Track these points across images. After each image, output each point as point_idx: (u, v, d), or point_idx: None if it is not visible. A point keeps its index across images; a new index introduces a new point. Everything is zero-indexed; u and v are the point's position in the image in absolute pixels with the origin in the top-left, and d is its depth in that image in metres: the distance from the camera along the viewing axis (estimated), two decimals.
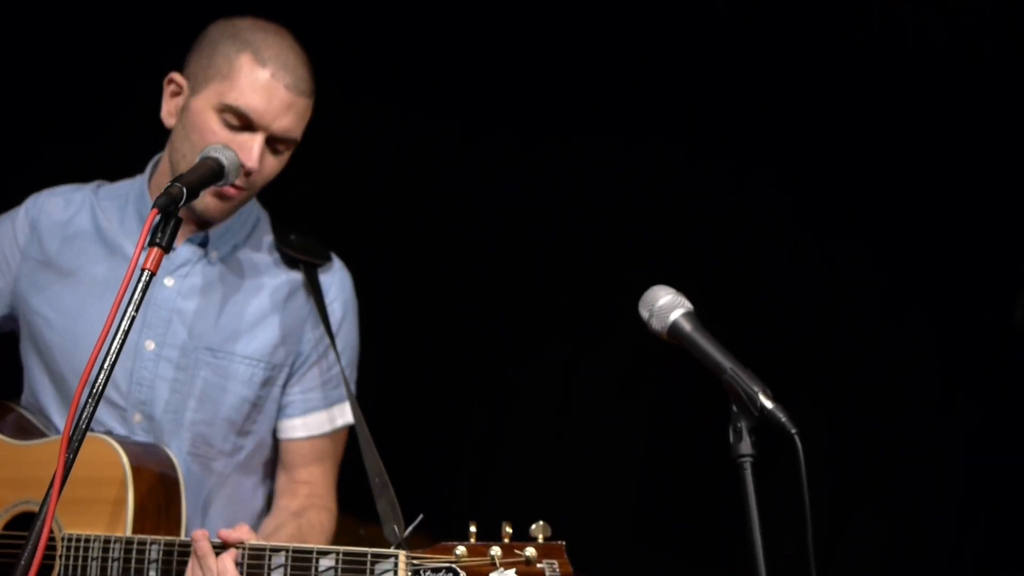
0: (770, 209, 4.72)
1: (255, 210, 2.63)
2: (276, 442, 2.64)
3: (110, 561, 2.22)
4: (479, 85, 4.67)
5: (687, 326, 2.08)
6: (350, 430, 2.60)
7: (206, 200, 2.39)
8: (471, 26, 4.58)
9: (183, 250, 2.51)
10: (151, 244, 2.02)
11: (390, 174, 4.64)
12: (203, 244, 2.54)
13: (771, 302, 4.67)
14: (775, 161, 4.64)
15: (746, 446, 1.98)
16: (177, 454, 2.42)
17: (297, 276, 2.59)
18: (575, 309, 4.78)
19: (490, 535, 2.03)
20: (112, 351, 1.97)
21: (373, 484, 2.31)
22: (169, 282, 2.51)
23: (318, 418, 2.62)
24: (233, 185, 2.35)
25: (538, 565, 1.98)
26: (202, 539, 2.18)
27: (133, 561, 2.21)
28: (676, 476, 4.86)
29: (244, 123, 2.38)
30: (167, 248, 2.04)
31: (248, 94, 2.37)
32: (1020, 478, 4.74)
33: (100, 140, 4.32)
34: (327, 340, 2.57)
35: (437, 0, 4.55)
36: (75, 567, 2.24)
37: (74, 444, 1.90)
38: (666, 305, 2.09)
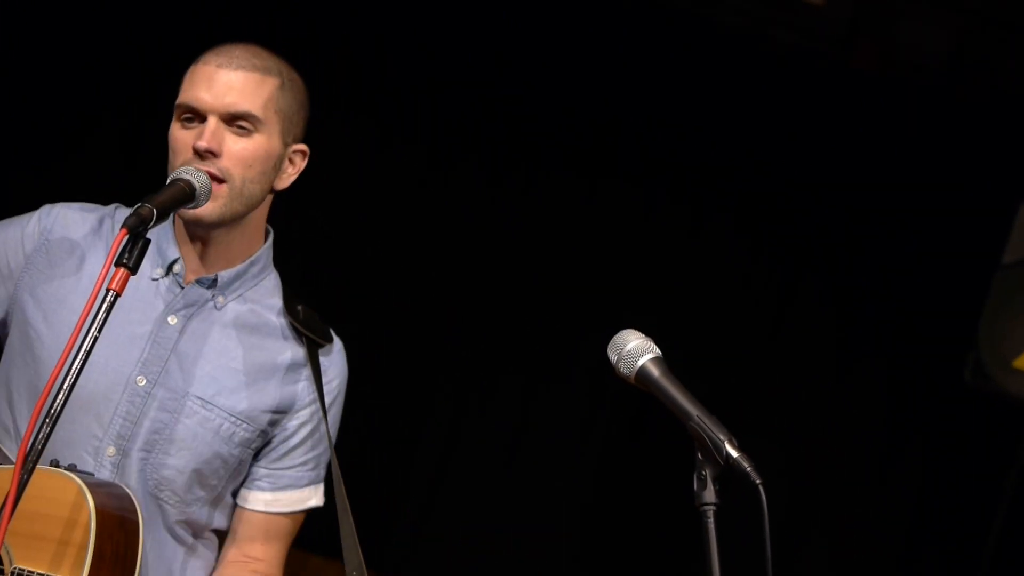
0: (731, 253, 4.78)
1: (269, 268, 2.56)
2: (229, 508, 2.56)
3: None
4: (453, 118, 4.69)
5: (655, 371, 2.06)
6: (332, 511, 2.51)
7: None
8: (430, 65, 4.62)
9: (191, 291, 2.44)
10: (118, 264, 1.99)
11: (362, 197, 4.64)
12: (211, 287, 2.46)
13: (730, 344, 4.72)
14: (738, 205, 4.70)
15: (710, 494, 1.96)
16: (138, 491, 2.35)
17: (299, 350, 2.51)
18: (534, 344, 4.79)
19: None
20: (72, 372, 1.94)
21: None
22: (172, 320, 2.43)
23: (289, 496, 2.53)
24: (212, 175, 2.31)
25: None
26: None
27: None
28: (625, 519, 4.87)
29: (195, 115, 2.35)
30: (134, 270, 2.01)
31: (190, 90, 2.37)
32: (964, 528, 4.81)
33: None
34: (317, 420, 2.50)
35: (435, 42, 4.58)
36: None
37: (28, 466, 1.86)
38: (635, 349, 2.08)
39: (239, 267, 2.48)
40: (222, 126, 2.35)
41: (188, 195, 2.20)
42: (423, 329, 4.62)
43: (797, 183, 4.75)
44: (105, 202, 2.64)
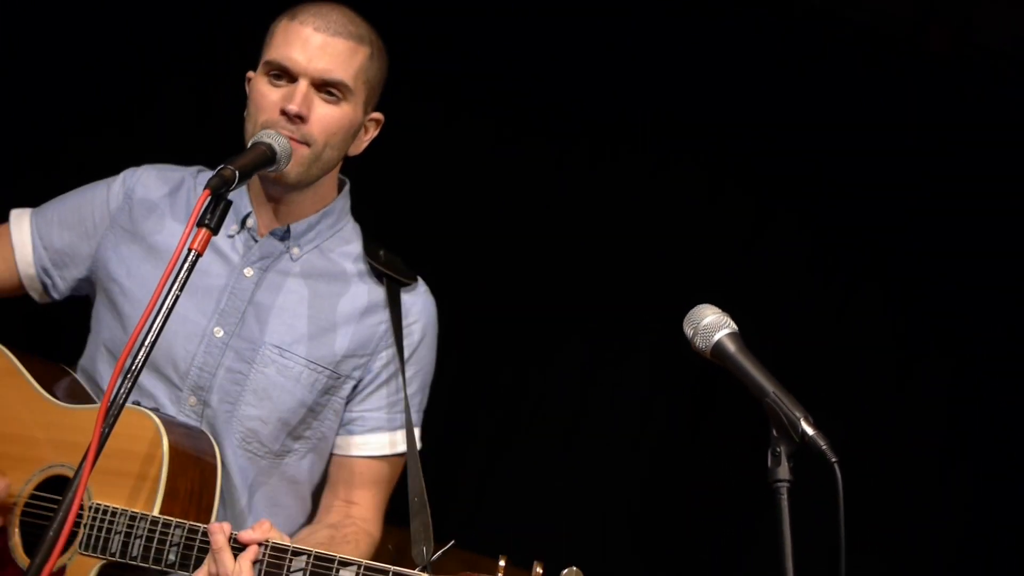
0: (797, 240, 4.72)
1: (346, 217, 2.58)
2: (330, 456, 2.56)
3: (133, 537, 2.16)
4: (514, 94, 4.68)
5: (731, 347, 2.05)
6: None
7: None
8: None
9: (265, 243, 2.48)
10: (200, 225, 2.01)
11: (416, 173, 4.64)
12: (285, 238, 2.49)
13: (791, 335, 4.67)
14: (806, 190, 4.65)
15: (784, 471, 1.96)
16: (227, 445, 2.38)
17: (379, 291, 2.52)
18: (595, 322, 4.78)
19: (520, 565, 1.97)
20: (154, 330, 1.95)
21: (411, 503, 2.26)
22: (249, 273, 2.46)
23: (379, 439, 2.52)
24: (291, 139, 2.32)
25: None
26: (219, 532, 2.12)
27: (155, 541, 2.15)
28: (681, 499, 4.85)
29: (286, 74, 2.36)
30: (215, 230, 2.03)
31: (283, 48, 2.37)
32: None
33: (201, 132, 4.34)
34: (399, 361, 2.49)
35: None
36: (98, 538, 2.19)
37: (111, 417, 1.88)
38: (711, 324, 2.07)
39: (311, 218, 2.50)
40: (312, 90, 2.36)
41: (269, 158, 2.22)
42: (485, 303, 4.61)
43: (867, 170, 4.68)
44: (180, 160, 2.68)
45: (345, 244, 2.56)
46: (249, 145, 2.26)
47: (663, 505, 4.75)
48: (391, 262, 2.55)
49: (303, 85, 2.35)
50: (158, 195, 2.56)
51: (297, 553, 2.07)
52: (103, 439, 1.86)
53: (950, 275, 4.59)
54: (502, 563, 1.95)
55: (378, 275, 2.52)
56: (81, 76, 4.61)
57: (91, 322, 2.58)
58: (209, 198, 2.02)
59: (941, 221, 4.59)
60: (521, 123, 4.74)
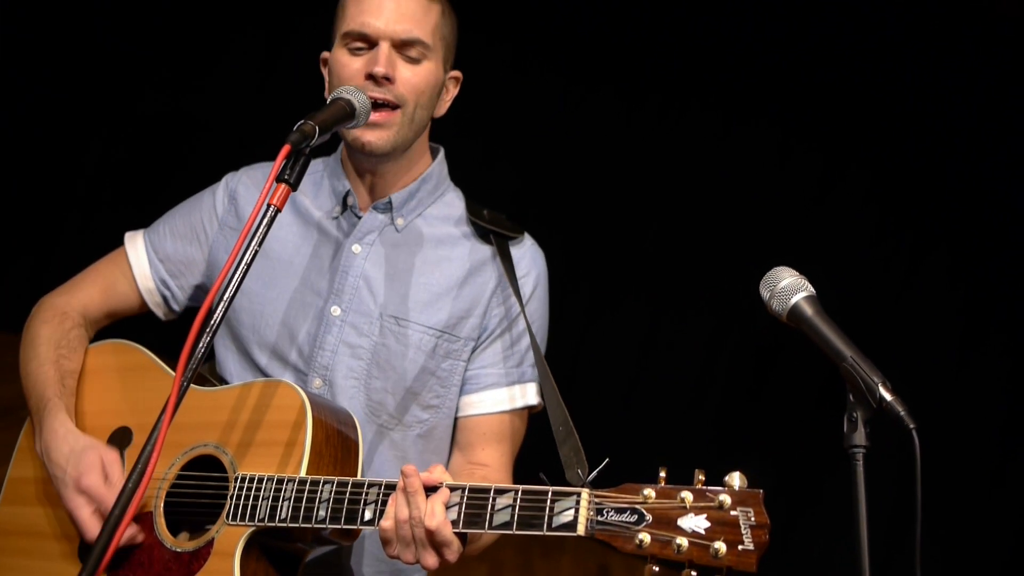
0: (863, 212, 4.67)
1: (445, 183, 2.59)
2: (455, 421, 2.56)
3: (281, 500, 2.15)
4: (585, 49, 4.66)
5: (808, 310, 2.03)
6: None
7: (362, 135, 2.35)
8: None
9: (368, 218, 2.49)
10: (279, 180, 2.01)
11: (488, 128, 4.64)
12: (387, 210, 2.50)
13: (853, 308, 4.62)
14: (875, 160, 4.58)
15: (860, 437, 1.93)
16: (358, 422, 2.36)
17: (486, 248, 2.52)
18: (660, 276, 4.76)
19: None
20: (233, 283, 1.96)
21: (556, 432, 2.23)
22: (356, 249, 2.48)
23: (497, 395, 2.51)
24: (380, 105, 2.33)
25: (732, 513, 1.85)
26: (413, 475, 2.06)
27: (304, 500, 2.14)
28: (743, 456, 4.82)
29: (365, 41, 2.37)
30: (295, 186, 2.02)
31: (358, 16, 2.37)
32: None
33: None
34: (514, 315, 2.50)
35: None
36: (245, 506, 2.19)
37: (188, 372, 1.89)
38: (788, 287, 2.05)
39: (411, 186, 2.51)
40: (394, 52, 2.37)
41: (348, 114, 2.21)
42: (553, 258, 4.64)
43: (941, 136, 4.59)
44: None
45: (447, 208, 2.57)
46: (329, 100, 2.25)
47: (722, 465, 4.74)
48: (496, 219, 2.55)
49: (385, 47, 2.36)
50: (260, 191, 2.56)
51: (452, 488, 2.04)
52: (181, 394, 1.87)
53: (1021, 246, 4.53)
54: (663, 474, 1.92)
55: (483, 233, 2.53)
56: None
57: None
58: (289, 153, 2.02)
59: (1015, 193, 4.52)
60: (591, 77, 4.72)
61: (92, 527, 2.28)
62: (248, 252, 1.97)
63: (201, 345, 1.91)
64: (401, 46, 2.37)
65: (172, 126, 5.63)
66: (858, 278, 4.62)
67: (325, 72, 2.49)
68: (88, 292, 2.67)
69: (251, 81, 5.44)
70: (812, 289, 2.05)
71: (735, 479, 1.88)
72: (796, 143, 4.66)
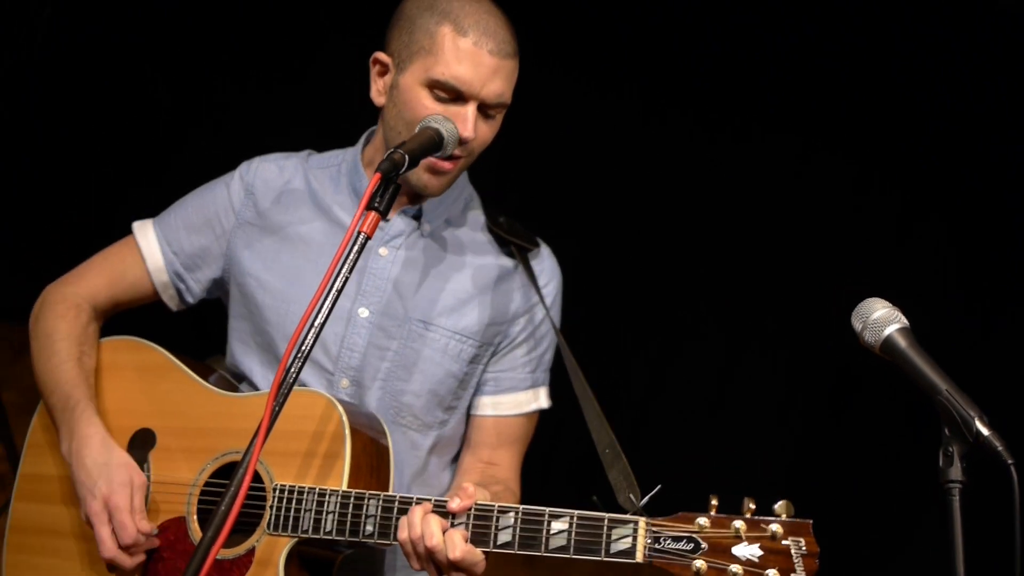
0: (942, 242, 4.59)
1: (467, 187, 2.62)
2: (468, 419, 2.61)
3: (324, 513, 2.18)
4: (670, 69, 4.64)
5: (902, 342, 2.00)
6: (575, 404, 2.50)
7: (423, 175, 2.36)
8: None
9: (397, 221, 2.51)
10: (369, 208, 2.03)
11: (570, 161, 4.64)
12: (416, 216, 2.52)
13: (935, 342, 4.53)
14: (958, 190, 4.51)
15: (956, 472, 1.89)
16: (382, 422, 2.40)
17: (507, 258, 2.58)
18: (735, 307, 4.71)
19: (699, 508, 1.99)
20: (324, 310, 1.98)
21: (603, 455, 2.26)
22: (383, 252, 2.50)
23: (514, 399, 2.59)
24: (450, 157, 2.33)
25: (783, 542, 1.93)
26: (416, 511, 2.13)
27: (349, 515, 2.17)
28: (824, 495, 4.74)
29: (454, 95, 2.33)
30: (384, 213, 2.04)
31: (454, 66, 2.31)
32: None
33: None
34: (537, 322, 2.56)
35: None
36: (287, 517, 2.22)
37: (281, 397, 1.91)
38: (881, 318, 2.02)
39: (442, 195, 2.50)
40: (477, 112, 2.36)
41: (437, 144, 2.23)
42: (622, 288, 4.61)
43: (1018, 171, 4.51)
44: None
45: (470, 214, 2.60)
46: (417, 130, 2.26)
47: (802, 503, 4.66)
48: (513, 228, 2.60)
49: (472, 109, 2.34)
50: (278, 184, 2.59)
51: (504, 510, 2.08)
52: (273, 418, 1.89)
53: None
54: (714, 502, 1.97)
55: (504, 242, 2.57)
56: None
57: (229, 321, 2.62)
58: (380, 181, 2.04)
59: None
60: (666, 101, 4.70)
61: (110, 545, 2.31)
62: (339, 279, 1.99)
63: (292, 370, 1.93)
64: (485, 106, 2.37)
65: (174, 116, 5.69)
66: (942, 313, 4.53)
67: (375, 71, 2.45)
68: (95, 283, 2.66)
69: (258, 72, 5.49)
70: (905, 321, 2.02)
71: (784, 508, 1.96)
72: (877, 175, 4.59)
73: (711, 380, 4.80)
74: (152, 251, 2.64)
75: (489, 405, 2.58)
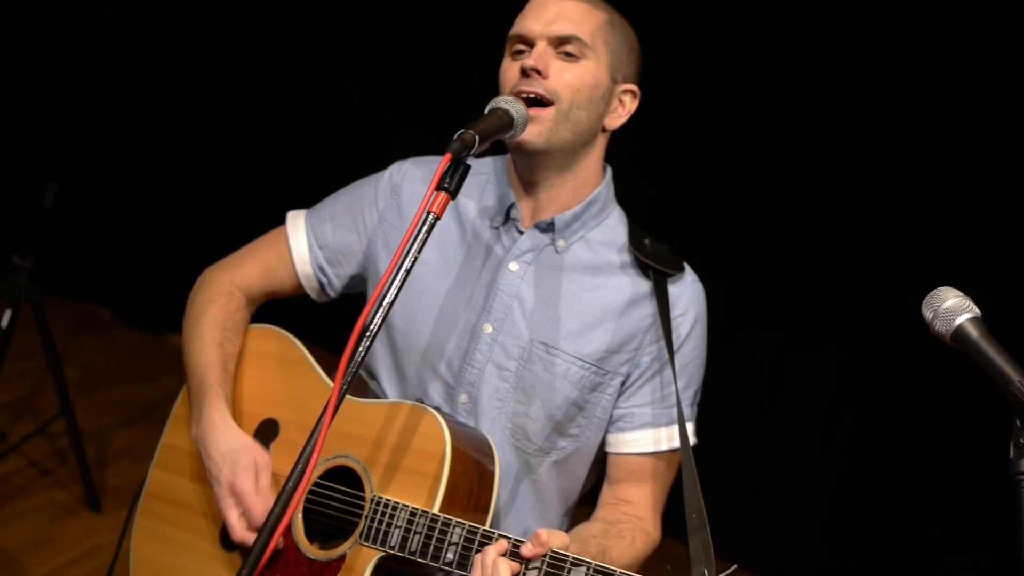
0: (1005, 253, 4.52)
1: (611, 205, 2.53)
2: (599, 453, 2.53)
3: (412, 533, 2.19)
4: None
5: (973, 332, 1.97)
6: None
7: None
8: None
9: (529, 236, 2.45)
10: (439, 188, 2.02)
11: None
12: (549, 230, 2.46)
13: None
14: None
15: None
16: (495, 442, 2.36)
17: (644, 283, 2.46)
18: (793, 309, 4.68)
19: None
20: (392, 291, 1.98)
21: (689, 520, 2.18)
22: (513, 267, 2.44)
23: (647, 436, 2.47)
24: (531, 99, 2.31)
25: None
26: (491, 551, 2.11)
27: (434, 539, 2.17)
28: (871, 500, 4.71)
29: (526, 43, 2.36)
30: (454, 194, 2.03)
31: (520, 21, 2.39)
32: None
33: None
34: (666, 356, 2.43)
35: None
36: (378, 530, 2.22)
37: (344, 385, 1.91)
38: (952, 308, 1.99)
39: (576, 208, 2.46)
40: (550, 51, 2.35)
41: (506, 123, 2.22)
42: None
43: None
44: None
45: (610, 234, 2.51)
46: (487, 110, 2.25)
47: (855, 506, 4.63)
48: (657, 252, 2.48)
49: (540, 45, 2.35)
50: (423, 188, 2.57)
51: (576, 564, 2.03)
52: (339, 399, 1.89)
53: None
54: None
55: (643, 266, 2.46)
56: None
57: None
58: (450, 162, 2.03)
59: None
60: (731, 101, 4.67)
61: (239, 529, 2.32)
62: (408, 259, 1.99)
63: (360, 351, 1.93)
64: (557, 44, 2.35)
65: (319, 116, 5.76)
66: (1010, 308, 4.47)
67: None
68: (249, 271, 2.69)
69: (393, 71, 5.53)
70: (977, 310, 1.99)
71: None
72: (935, 177, 4.53)
73: (762, 385, 4.77)
74: (299, 243, 2.66)
75: (622, 442, 2.49)
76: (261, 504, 2.31)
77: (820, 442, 4.68)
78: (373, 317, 1.96)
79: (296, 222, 2.69)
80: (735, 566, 2.02)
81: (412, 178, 2.61)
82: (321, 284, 2.67)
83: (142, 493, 2.63)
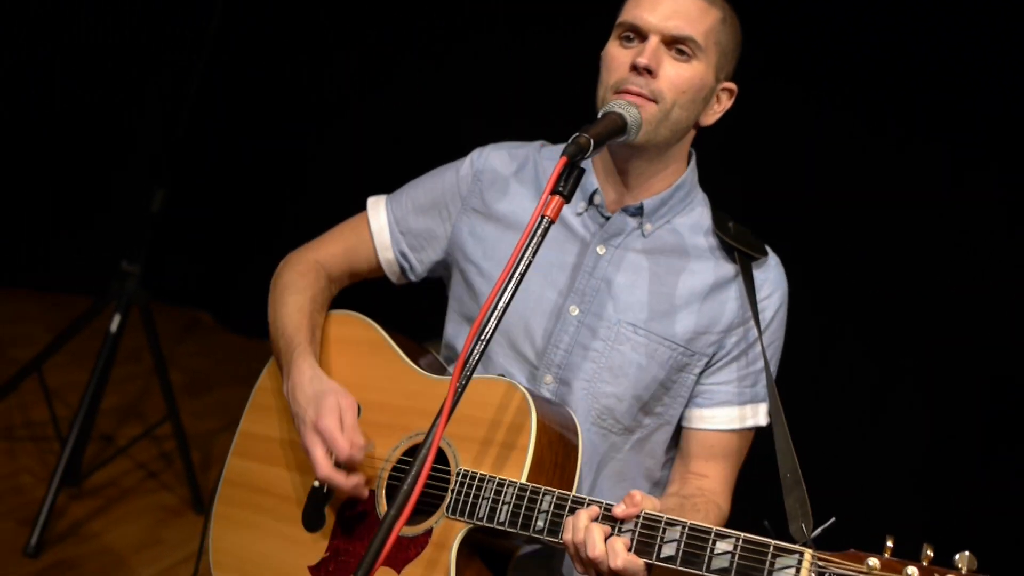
0: None
1: (695, 190, 2.55)
2: (678, 429, 2.55)
3: (500, 503, 2.19)
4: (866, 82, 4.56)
5: None
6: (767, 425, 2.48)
7: None
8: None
9: (617, 219, 2.47)
10: (554, 192, 2.03)
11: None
12: (637, 214, 2.48)
13: None
14: None
15: None
16: (581, 422, 2.37)
17: (730, 266, 2.48)
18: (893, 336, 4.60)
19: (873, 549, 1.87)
20: (506, 294, 1.99)
21: (784, 480, 2.20)
22: (601, 250, 2.47)
23: (728, 413, 2.49)
24: (640, 94, 2.30)
25: None
26: (583, 515, 2.11)
27: (524, 508, 2.17)
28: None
29: (636, 34, 2.35)
30: (568, 197, 2.04)
31: (634, 8, 2.36)
32: None
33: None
34: (752, 337, 2.46)
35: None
36: (465, 502, 2.24)
37: (463, 380, 1.93)
38: None
39: (664, 193, 2.48)
40: (662, 47, 2.34)
41: (620, 128, 2.22)
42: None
43: None
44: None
45: (695, 217, 2.52)
46: (600, 114, 2.26)
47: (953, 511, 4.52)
48: (740, 235, 2.50)
49: (653, 41, 2.33)
50: (507, 173, 2.60)
51: (671, 523, 2.03)
52: (456, 398, 1.91)
53: None
54: (890, 544, 1.86)
55: (728, 249, 2.48)
56: None
57: (449, 302, 2.66)
58: (565, 165, 2.03)
59: None
60: (847, 113, 4.62)
61: (324, 464, 2.34)
62: (523, 263, 1.99)
63: (475, 353, 1.95)
64: (671, 42, 2.34)
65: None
66: None
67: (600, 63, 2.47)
68: (333, 253, 2.74)
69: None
70: None
71: (965, 560, 1.80)
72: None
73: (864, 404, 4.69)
74: (381, 228, 2.70)
75: (701, 418, 2.51)
76: (345, 442, 2.33)
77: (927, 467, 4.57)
78: (487, 321, 1.97)
79: (377, 208, 2.73)
80: (833, 519, 2.02)
81: (494, 164, 2.62)
82: (403, 268, 2.71)
83: (220, 482, 2.68)
